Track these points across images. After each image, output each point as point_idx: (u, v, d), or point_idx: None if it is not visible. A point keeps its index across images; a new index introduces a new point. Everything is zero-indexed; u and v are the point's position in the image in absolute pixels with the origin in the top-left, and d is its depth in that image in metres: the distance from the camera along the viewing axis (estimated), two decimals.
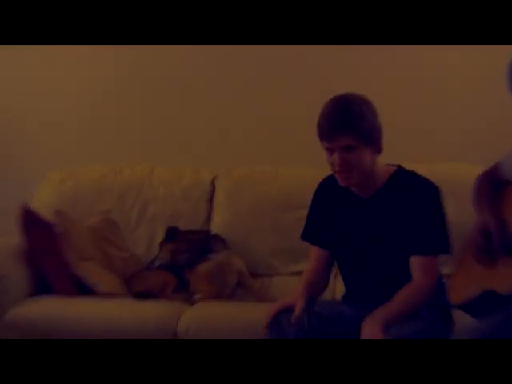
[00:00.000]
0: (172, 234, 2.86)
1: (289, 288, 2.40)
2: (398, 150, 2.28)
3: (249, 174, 3.02)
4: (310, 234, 2.13)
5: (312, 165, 2.62)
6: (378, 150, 1.94)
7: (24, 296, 2.65)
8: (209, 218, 3.03)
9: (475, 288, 1.86)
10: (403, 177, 1.97)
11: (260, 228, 2.90)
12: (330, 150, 1.89)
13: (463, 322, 1.91)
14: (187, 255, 2.80)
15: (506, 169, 1.99)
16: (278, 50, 2.96)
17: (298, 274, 2.60)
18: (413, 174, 2.01)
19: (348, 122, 1.84)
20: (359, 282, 2.05)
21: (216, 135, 3.31)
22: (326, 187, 2.08)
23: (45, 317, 2.53)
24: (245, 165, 3.10)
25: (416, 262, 1.93)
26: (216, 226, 2.99)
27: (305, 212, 2.19)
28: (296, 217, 2.71)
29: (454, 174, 2.74)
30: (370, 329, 1.78)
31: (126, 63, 3.28)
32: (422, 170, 2.15)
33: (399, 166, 2.02)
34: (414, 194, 1.94)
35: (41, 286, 2.73)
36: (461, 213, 2.30)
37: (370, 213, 1.99)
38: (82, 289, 2.70)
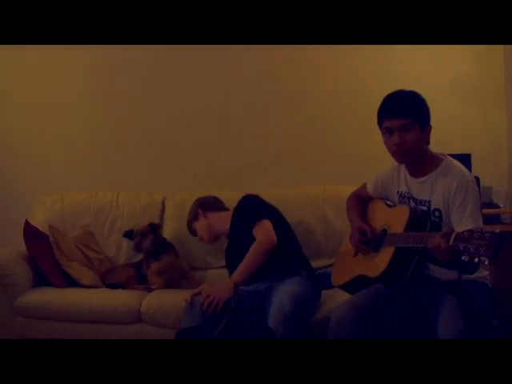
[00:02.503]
0: (129, 233, 3.28)
1: (220, 278, 3.01)
2: None
3: (189, 197, 3.32)
4: None
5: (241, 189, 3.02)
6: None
7: (27, 288, 3.00)
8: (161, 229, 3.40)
9: (350, 274, 2.15)
10: None
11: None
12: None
13: None
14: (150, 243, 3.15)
15: (369, 188, 2.25)
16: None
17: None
18: None
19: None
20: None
21: (165, 169, 3.71)
22: None
23: (43, 303, 2.90)
24: (186, 189, 3.50)
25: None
26: (166, 235, 3.36)
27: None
28: None
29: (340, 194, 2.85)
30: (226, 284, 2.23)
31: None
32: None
33: None
34: None
35: (40, 281, 3.07)
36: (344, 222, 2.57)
37: None
38: (70, 282, 3.08)
